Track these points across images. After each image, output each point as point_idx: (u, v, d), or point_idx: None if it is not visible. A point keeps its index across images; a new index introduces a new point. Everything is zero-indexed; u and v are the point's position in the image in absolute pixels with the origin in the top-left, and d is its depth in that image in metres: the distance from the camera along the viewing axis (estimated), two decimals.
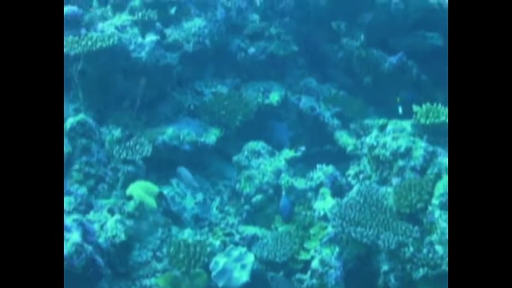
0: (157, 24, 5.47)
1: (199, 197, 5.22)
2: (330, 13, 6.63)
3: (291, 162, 5.41)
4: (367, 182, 4.81)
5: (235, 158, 5.40)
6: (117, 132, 5.11)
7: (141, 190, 4.68)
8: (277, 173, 5.24)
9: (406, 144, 4.70)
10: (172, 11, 5.74)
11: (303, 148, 5.55)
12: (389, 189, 4.62)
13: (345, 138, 5.84)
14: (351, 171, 5.12)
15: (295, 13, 6.97)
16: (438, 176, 4.39)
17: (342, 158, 5.69)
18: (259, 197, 5.16)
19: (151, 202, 4.66)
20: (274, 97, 6.01)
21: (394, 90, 6.41)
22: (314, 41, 6.98)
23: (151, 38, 5.36)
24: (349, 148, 5.43)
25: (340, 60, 6.72)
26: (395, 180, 4.67)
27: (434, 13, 6.43)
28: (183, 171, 5.07)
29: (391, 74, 6.33)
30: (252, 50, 6.17)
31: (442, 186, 4.26)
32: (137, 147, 4.96)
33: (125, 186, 4.80)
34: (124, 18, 5.43)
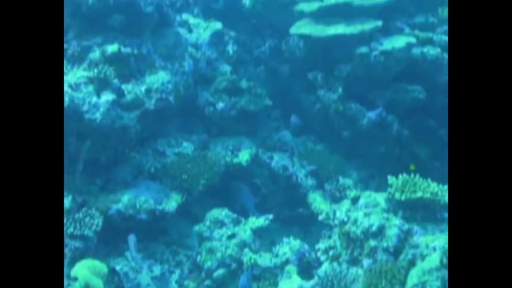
0: (115, 81, 5.07)
1: (157, 270, 4.79)
2: (306, 63, 6.28)
3: (257, 232, 5.00)
4: (336, 263, 4.39)
5: (196, 227, 5.00)
6: (67, 201, 4.70)
7: (87, 270, 4.26)
8: (241, 246, 4.83)
9: (379, 222, 4.30)
10: (135, 64, 5.35)
11: (270, 217, 5.14)
12: (360, 272, 4.21)
13: (318, 203, 5.45)
14: (321, 245, 4.70)
15: (270, 62, 6.63)
16: (412, 263, 3.97)
17: (313, 223, 5.31)
18: (221, 271, 4.75)
19: (98, 284, 4.23)
20: (244, 156, 5.61)
21: (373, 145, 6.08)
22: (290, 91, 6.65)
23: (107, 97, 4.96)
24: (321, 216, 5.02)
25: (318, 112, 6.35)
26: (366, 262, 4.26)
27: (416, 65, 6.09)
28: (131, 240, 4.65)
29: (370, 130, 5.96)
30: (221, 104, 5.78)
31: (415, 276, 3.84)
32: (87, 219, 4.55)
33: (72, 264, 4.38)
34: (79, 74, 5.03)
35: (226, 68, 6.11)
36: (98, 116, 4.88)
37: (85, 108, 4.87)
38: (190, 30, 6.09)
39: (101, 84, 4.98)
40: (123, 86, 5.17)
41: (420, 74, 6.00)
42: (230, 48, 6.38)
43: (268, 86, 6.50)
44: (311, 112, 6.40)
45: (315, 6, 6.07)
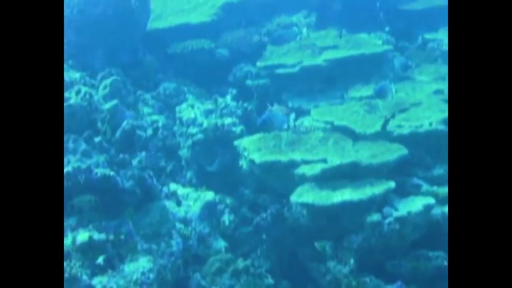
0: (84, 277, 4.35)
1: None
2: (312, 231, 5.55)
3: None
4: None
5: None
6: None
7: None
8: None
9: None
10: (112, 251, 4.66)
11: None
12: None
13: None
14: None
15: (273, 230, 5.90)
16: None
17: None
18: None
19: None
20: None
21: None
22: (298, 259, 5.88)
23: None
24: None
25: (329, 284, 5.53)
26: None
27: (437, 228, 5.36)
28: None
29: None
30: None
31: None
32: None
33: None
34: None
35: (221, 243, 5.39)
36: None
37: None
38: (178, 203, 5.46)
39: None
40: (96, 280, 4.44)
41: (442, 237, 5.23)
42: (226, 218, 5.70)
43: (271, 256, 5.79)
44: (321, 284, 5.59)
45: (317, 168, 5.45)
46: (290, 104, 7.29)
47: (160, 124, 6.61)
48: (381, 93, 6.23)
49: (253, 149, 5.86)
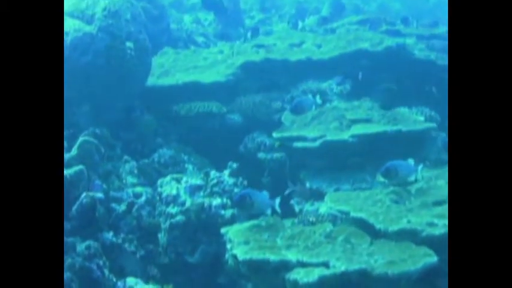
0: None
1: None
2: None
3: None
4: None
5: None
6: None
7: None
8: None
9: None
10: None
11: None
12: None
13: None
14: None
15: None
16: None
17: None
18: None
19: None
20: None
21: None
22: None
23: None
24: None
25: None
26: None
27: None
28: None
29: None
30: None
31: None
32: None
33: None
34: None
35: None
36: None
37: None
38: None
39: None
40: None
41: None
42: None
43: None
44: None
45: (315, 275, 4.15)
46: (308, 185, 6.06)
47: (143, 199, 5.44)
48: (388, 175, 5.00)
49: (239, 241, 4.59)
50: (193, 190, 5.13)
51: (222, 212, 5.03)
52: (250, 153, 6.47)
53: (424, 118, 6.44)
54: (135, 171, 5.85)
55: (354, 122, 6.38)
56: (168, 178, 5.31)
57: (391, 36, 7.90)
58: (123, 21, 5.96)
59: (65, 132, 5.55)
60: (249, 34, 6.83)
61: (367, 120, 6.41)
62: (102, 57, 5.88)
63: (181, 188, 5.11)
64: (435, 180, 5.38)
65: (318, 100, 5.84)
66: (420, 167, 5.41)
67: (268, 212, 4.82)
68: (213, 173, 5.34)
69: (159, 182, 5.34)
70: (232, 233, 4.74)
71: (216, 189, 5.17)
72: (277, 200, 4.90)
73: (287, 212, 5.41)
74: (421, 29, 8.51)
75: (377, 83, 7.24)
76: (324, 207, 5.48)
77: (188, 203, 5.02)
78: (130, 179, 5.76)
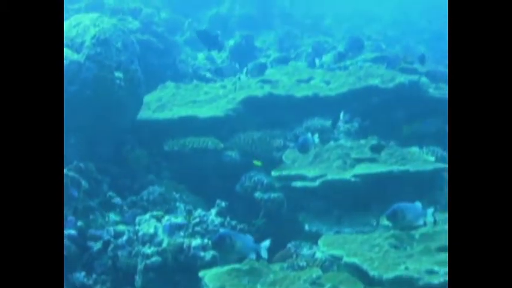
0: None
1: None
2: None
3: None
4: None
5: None
6: None
7: None
8: None
9: None
10: None
11: None
12: None
13: None
14: None
15: None
16: None
17: None
18: None
19: None
20: None
21: None
22: None
23: None
24: None
25: None
26: None
27: None
28: None
29: None
30: None
31: None
32: None
33: None
34: None
35: None
36: None
37: None
38: None
39: None
40: None
41: None
42: None
43: None
44: None
45: None
46: (307, 227, 5.61)
47: (124, 238, 5.02)
48: (395, 218, 4.47)
49: (214, 286, 4.12)
50: (173, 229, 4.70)
51: (202, 253, 4.57)
52: (246, 193, 6.05)
53: (435, 158, 5.95)
54: (120, 209, 5.46)
55: (359, 161, 5.92)
56: (147, 216, 4.89)
57: (407, 74, 7.47)
58: (114, 50, 5.67)
59: None
60: (245, 69, 6.45)
61: (373, 160, 5.95)
62: (89, 87, 5.58)
63: (159, 227, 4.69)
64: (443, 225, 4.86)
65: (316, 139, 5.38)
66: (431, 210, 4.89)
67: (253, 256, 4.33)
68: (197, 212, 4.90)
69: (137, 219, 4.92)
70: (209, 277, 4.27)
71: (197, 228, 4.74)
72: (266, 243, 4.41)
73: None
74: (440, 66, 8.08)
75: (387, 121, 6.79)
76: (319, 252, 5.03)
77: (165, 243, 4.59)
78: (113, 217, 5.38)
